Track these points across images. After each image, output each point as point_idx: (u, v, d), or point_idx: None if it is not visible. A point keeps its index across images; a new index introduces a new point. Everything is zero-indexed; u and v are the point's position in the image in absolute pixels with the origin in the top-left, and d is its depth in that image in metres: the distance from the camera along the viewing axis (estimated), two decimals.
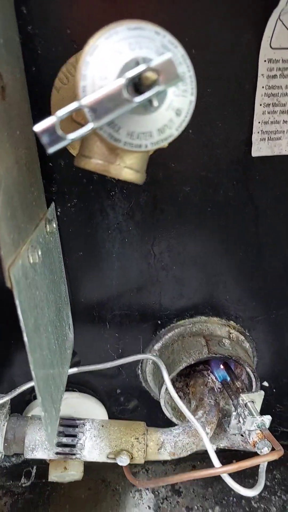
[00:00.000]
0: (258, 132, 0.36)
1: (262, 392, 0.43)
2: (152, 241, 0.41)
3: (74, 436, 0.39)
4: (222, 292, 0.46)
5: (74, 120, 0.30)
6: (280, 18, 0.32)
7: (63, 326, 0.40)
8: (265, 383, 0.51)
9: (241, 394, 0.42)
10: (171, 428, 0.42)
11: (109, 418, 0.52)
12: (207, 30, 0.33)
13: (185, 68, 0.22)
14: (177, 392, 0.43)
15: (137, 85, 0.20)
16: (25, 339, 0.26)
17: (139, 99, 0.20)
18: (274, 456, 0.36)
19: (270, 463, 0.40)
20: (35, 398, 0.50)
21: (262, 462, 0.38)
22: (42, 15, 0.32)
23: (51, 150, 0.20)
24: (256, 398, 0.43)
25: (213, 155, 0.37)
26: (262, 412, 0.41)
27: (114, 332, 0.47)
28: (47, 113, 0.35)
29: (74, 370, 0.43)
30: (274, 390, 0.52)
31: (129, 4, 0.32)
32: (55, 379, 0.35)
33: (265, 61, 0.34)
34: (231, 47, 0.34)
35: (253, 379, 0.46)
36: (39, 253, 0.28)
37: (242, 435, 0.46)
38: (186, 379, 0.50)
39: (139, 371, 0.50)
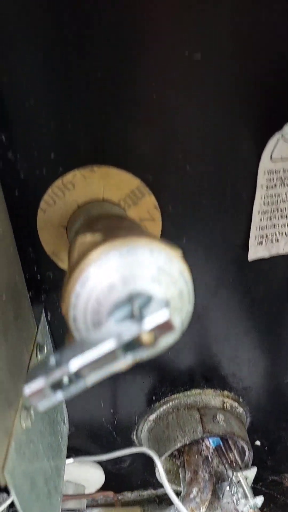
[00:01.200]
0: (255, 237, 0.35)
1: (255, 469, 0.45)
2: None
3: None
4: (217, 369, 0.46)
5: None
6: (282, 136, 0.30)
7: (58, 431, 0.39)
8: (257, 443, 0.53)
9: (235, 473, 0.44)
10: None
11: (106, 476, 0.54)
12: (205, 144, 0.31)
13: (182, 284, 0.20)
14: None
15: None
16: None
17: (131, 358, 0.18)
18: None
19: None
20: None
21: None
22: (24, 141, 0.29)
23: (41, 408, 0.19)
24: (249, 475, 0.44)
25: (210, 258, 0.36)
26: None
27: (110, 408, 0.47)
28: (34, 232, 0.33)
29: (69, 461, 0.43)
30: (265, 448, 0.53)
31: (118, 125, 0.29)
32: (51, 496, 0.35)
33: (265, 173, 0.32)
34: (229, 160, 0.32)
35: (246, 451, 0.47)
36: (32, 414, 0.27)
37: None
38: None
39: (134, 437, 0.51)
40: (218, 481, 0.49)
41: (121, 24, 0.26)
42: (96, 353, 0.18)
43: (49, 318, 0.38)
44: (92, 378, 0.19)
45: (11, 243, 0.29)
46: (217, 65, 0.28)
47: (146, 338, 0.18)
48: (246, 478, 0.44)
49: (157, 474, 0.47)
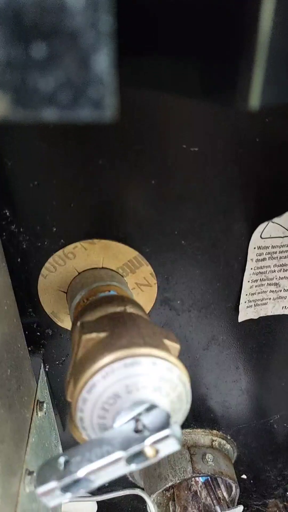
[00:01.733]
0: (245, 302, 0.37)
1: (241, 507, 0.47)
2: None
3: None
4: (207, 411, 0.48)
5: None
6: (272, 221, 0.32)
7: None
8: (244, 476, 0.55)
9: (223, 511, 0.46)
10: None
11: (98, 505, 0.56)
12: (197, 223, 0.32)
13: (181, 387, 0.22)
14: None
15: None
16: None
17: (137, 466, 0.20)
18: None
19: None
20: None
21: None
22: (26, 216, 0.30)
23: (51, 505, 0.20)
24: None
25: (204, 318, 0.38)
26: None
27: None
28: (35, 295, 0.34)
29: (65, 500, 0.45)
30: (251, 480, 0.56)
31: (113, 212, 0.31)
32: None
33: (254, 248, 0.34)
34: (222, 236, 0.33)
35: (233, 488, 0.49)
36: (34, 475, 0.29)
37: None
38: None
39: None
40: None
41: (122, 125, 0.27)
42: (103, 463, 0.19)
43: (46, 369, 0.39)
44: (99, 481, 0.20)
45: (15, 315, 0.31)
46: (212, 156, 0.29)
47: (149, 452, 0.19)
48: None
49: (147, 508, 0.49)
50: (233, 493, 0.50)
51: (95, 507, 0.56)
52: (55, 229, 0.31)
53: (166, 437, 0.19)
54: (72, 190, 0.30)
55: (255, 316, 0.38)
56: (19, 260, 0.32)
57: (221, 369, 0.43)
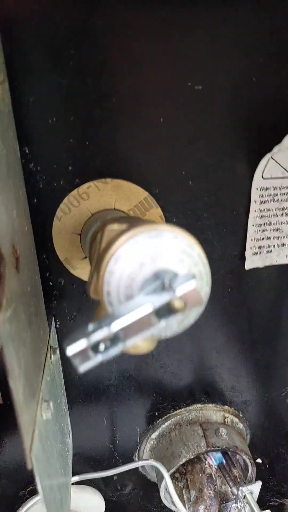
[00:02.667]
0: (251, 248, 0.38)
1: (260, 483, 0.45)
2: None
3: None
4: (217, 382, 0.47)
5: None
6: (272, 157, 0.34)
7: (66, 444, 0.40)
8: (259, 460, 0.53)
9: (240, 488, 0.44)
10: None
11: (106, 504, 0.52)
12: (204, 165, 0.35)
13: (201, 266, 0.23)
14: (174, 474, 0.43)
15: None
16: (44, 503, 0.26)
17: (164, 323, 0.21)
18: None
19: None
20: (30, 494, 0.49)
21: None
22: (44, 154, 0.32)
23: (82, 369, 0.20)
24: (254, 489, 0.44)
25: (210, 268, 0.39)
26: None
27: (111, 426, 0.47)
28: (49, 240, 0.35)
29: (75, 478, 0.43)
30: (266, 466, 0.53)
31: (129, 144, 0.33)
32: (62, 500, 0.34)
33: (257, 189, 0.36)
34: (227, 178, 0.35)
35: (249, 466, 0.48)
36: (51, 405, 0.28)
37: None
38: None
39: (136, 458, 0.51)
40: (222, 501, 0.48)
41: (135, 58, 0.30)
42: (134, 317, 0.20)
43: (57, 326, 0.39)
44: (129, 340, 0.20)
45: (32, 243, 0.32)
46: (215, 94, 0.32)
47: (177, 304, 0.20)
48: (251, 493, 0.44)
49: (161, 492, 0.47)
50: (249, 473, 0.48)
51: (103, 505, 0.52)
52: (70, 168, 0.33)
53: (193, 290, 0.20)
54: (88, 128, 0.32)
55: (261, 264, 0.39)
56: (35, 201, 0.34)
57: (229, 329, 0.43)
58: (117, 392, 0.45)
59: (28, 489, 0.49)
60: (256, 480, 0.48)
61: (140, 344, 0.25)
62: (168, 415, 0.48)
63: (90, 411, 0.46)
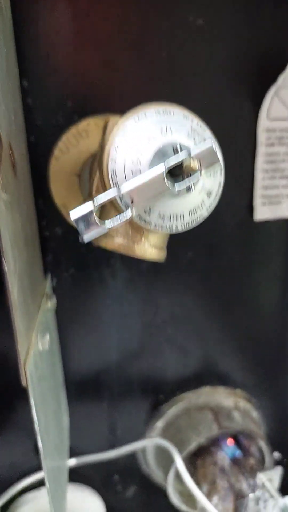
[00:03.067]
0: (259, 197, 0.36)
1: (280, 469, 0.40)
2: (154, 311, 0.39)
3: None
4: (227, 361, 0.43)
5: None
6: (276, 94, 0.33)
7: (62, 413, 0.35)
8: (276, 454, 0.48)
9: (258, 473, 0.39)
10: None
11: (107, 509, 0.46)
12: (207, 103, 0.34)
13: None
14: None
15: (174, 169, 0.19)
16: (40, 445, 0.22)
17: (179, 187, 0.18)
18: None
19: None
20: (20, 493, 0.44)
21: None
22: (43, 88, 0.31)
23: (86, 238, 0.18)
24: (273, 476, 0.40)
25: (216, 220, 0.36)
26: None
27: (112, 411, 0.43)
28: (45, 183, 0.33)
29: (73, 461, 0.38)
30: (284, 460, 0.48)
31: (130, 80, 0.32)
32: (61, 480, 0.30)
33: (263, 130, 0.35)
34: (231, 118, 0.34)
35: (266, 453, 0.43)
36: (48, 337, 0.25)
37: None
38: (190, 456, 0.46)
39: (140, 451, 0.45)
40: (237, 498, 0.43)
41: None
42: (146, 177, 0.18)
43: (54, 285, 0.36)
44: (139, 204, 0.18)
45: (29, 184, 0.30)
46: (217, 30, 0.32)
47: (192, 163, 0.18)
48: (270, 480, 0.39)
49: (169, 485, 0.41)
50: (266, 463, 0.43)
51: (102, 509, 0.46)
52: (70, 103, 0.32)
53: (209, 149, 0.18)
54: (86, 62, 0.31)
55: (271, 216, 0.37)
56: (32, 139, 0.32)
57: (240, 302, 0.40)
58: (117, 371, 0.41)
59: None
60: None
61: (150, 248, 0.23)
62: (174, 398, 0.44)
63: (87, 397, 0.41)
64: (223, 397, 0.44)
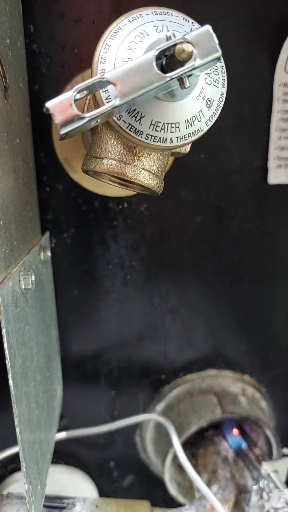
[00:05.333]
0: (274, 159, 0.34)
1: (287, 459, 0.36)
2: (158, 279, 0.37)
3: None
4: (236, 341, 0.40)
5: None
6: None
7: (52, 378, 0.33)
8: (286, 450, 0.44)
9: (262, 463, 0.36)
10: (181, 508, 0.34)
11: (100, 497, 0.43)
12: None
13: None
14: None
15: (167, 65, 0.17)
16: (11, 383, 0.20)
17: (171, 75, 0.16)
18: None
19: None
20: (11, 472, 0.42)
21: None
22: (49, 33, 0.30)
23: (64, 131, 0.16)
24: (280, 467, 0.36)
25: (227, 182, 0.34)
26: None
27: (110, 389, 0.40)
28: (48, 135, 0.32)
29: (62, 435, 0.36)
30: None
31: None
32: (42, 443, 0.28)
33: (279, 85, 0.32)
34: (246, 70, 0.32)
35: (274, 445, 0.39)
36: (32, 278, 0.23)
37: None
38: (192, 447, 0.43)
39: (138, 438, 0.43)
40: (240, 493, 0.39)
41: None
42: (134, 62, 0.16)
43: (52, 245, 0.34)
44: (125, 98, 0.16)
45: (29, 138, 0.28)
46: None
47: (185, 46, 0.16)
48: (276, 472, 0.35)
49: (166, 474, 0.38)
50: (273, 456, 0.39)
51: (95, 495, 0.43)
52: (76, 50, 0.31)
53: (206, 32, 0.16)
54: (96, 7, 0.30)
55: (285, 180, 0.35)
56: (36, 87, 0.31)
57: (250, 273, 0.37)
58: (117, 344, 0.38)
59: (9, 468, 0.41)
60: None
61: (143, 171, 0.21)
62: (177, 380, 0.41)
63: (84, 373, 0.39)
64: (229, 382, 0.41)
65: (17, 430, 0.21)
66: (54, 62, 0.31)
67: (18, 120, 0.25)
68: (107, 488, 0.44)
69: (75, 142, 0.32)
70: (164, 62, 0.17)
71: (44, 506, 0.31)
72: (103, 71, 0.18)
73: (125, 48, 0.18)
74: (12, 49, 0.24)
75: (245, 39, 0.32)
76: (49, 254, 0.30)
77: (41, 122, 0.32)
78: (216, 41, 0.16)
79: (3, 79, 0.22)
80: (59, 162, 0.33)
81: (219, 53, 0.16)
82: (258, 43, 0.32)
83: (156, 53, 0.16)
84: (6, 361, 0.20)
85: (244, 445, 0.40)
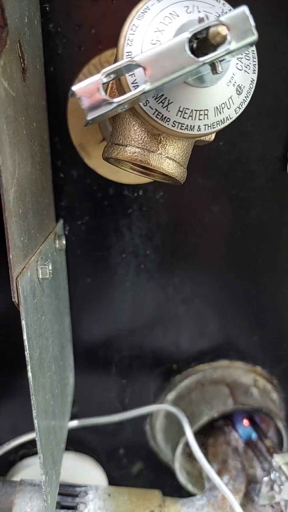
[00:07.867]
0: None
1: None
2: (172, 269, 0.36)
3: (74, 508, 0.31)
4: (248, 332, 0.40)
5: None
6: None
7: (65, 366, 0.33)
8: None
9: (274, 455, 0.35)
10: (193, 498, 0.34)
11: (109, 484, 0.44)
12: None
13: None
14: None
15: (199, 48, 0.16)
16: (29, 375, 0.20)
17: (204, 59, 0.15)
18: None
19: None
20: (21, 458, 0.42)
21: None
22: (66, 13, 0.29)
23: (90, 116, 0.15)
24: None
25: (246, 171, 0.33)
26: None
27: (121, 378, 0.40)
28: (63, 118, 0.31)
29: (74, 423, 0.36)
30: None
31: None
32: (56, 433, 0.28)
33: None
34: (270, 57, 0.31)
35: (284, 436, 0.39)
36: (50, 268, 0.23)
37: (273, 506, 0.38)
38: (202, 437, 0.43)
39: (148, 426, 0.43)
40: (250, 483, 0.39)
41: None
42: (165, 45, 0.15)
43: (66, 233, 0.34)
44: (155, 83, 0.15)
45: (45, 121, 0.27)
46: None
47: (220, 29, 0.15)
48: (287, 464, 0.35)
49: (177, 451, 0.38)
50: (284, 447, 0.39)
51: (105, 481, 0.44)
52: (94, 31, 0.29)
53: (242, 14, 0.15)
54: None
55: None
56: (52, 69, 0.30)
57: (267, 266, 0.37)
58: (130, 333, 0.38)
59: (20, 453, 0.42)
60: None
61: (168, 159, 0.20)
62: (188, 370, 0.41)
63: (96, 360, 0.39)
64: (241, 373, 0.41)
65: (35, 422, 0.20)
66: (70, 42, 0.29)
67: (35, 103, 0.24)
68: (116, 475, 0.44)
69: (90, 127, 0.31)
70: (195, 45, 0.16)
71: (58, 494, 0.31)
72: (130, 53, 0.17)
73: (153, 29, 0.17)
74: (30, 28, 0.23)
75: (270, 26, 0.30)
76: (64, 242, 0.30)
77: (56, 105, 0.31)
78: (253, 24, 0.15)
79: (21, 59, 0.21)
80: (73, 147, 0.32)
81: (256, 37, 0.15)
82: (283, 31, 0.30)
83: (190, 35, 0.15)
84: (26, 353, 0.19)
85: (254, 435, 0.41)
